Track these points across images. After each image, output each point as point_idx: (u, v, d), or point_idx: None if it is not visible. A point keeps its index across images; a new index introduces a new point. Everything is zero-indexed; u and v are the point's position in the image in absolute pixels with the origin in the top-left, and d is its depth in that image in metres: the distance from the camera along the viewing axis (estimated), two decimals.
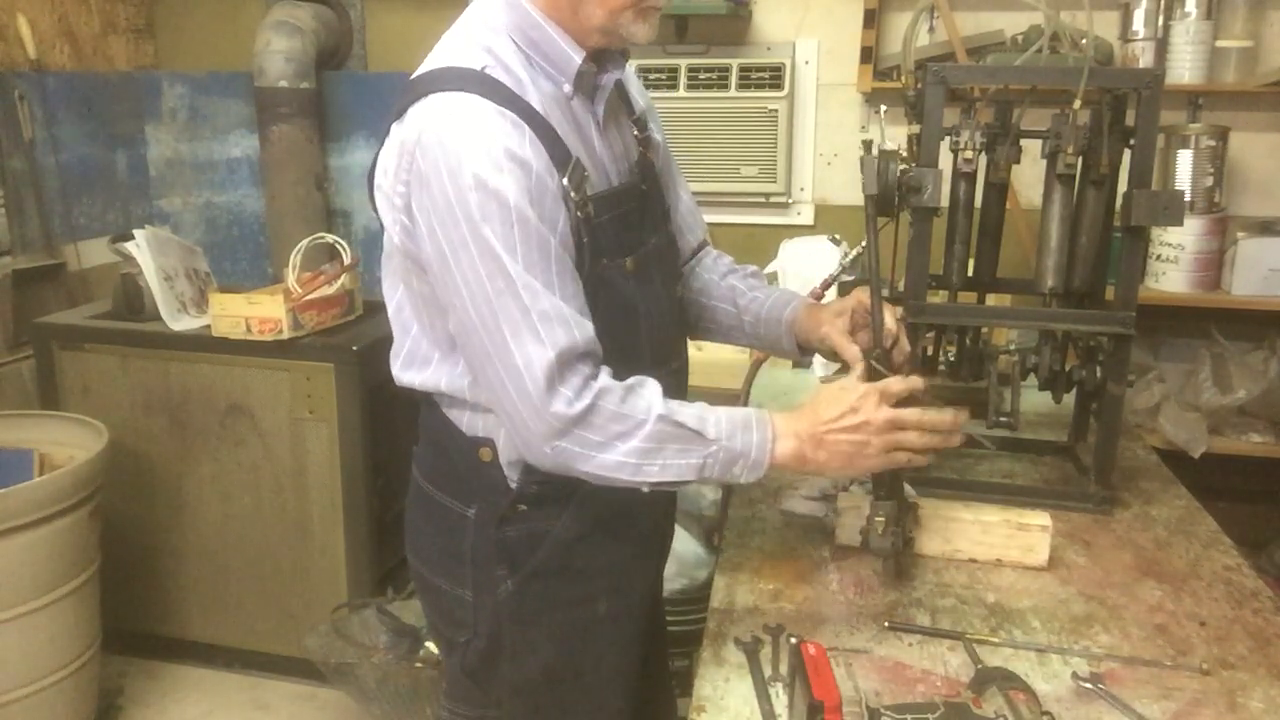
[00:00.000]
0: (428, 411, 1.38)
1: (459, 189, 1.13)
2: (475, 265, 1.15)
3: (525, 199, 1.15)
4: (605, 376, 1.19)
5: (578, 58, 1.25)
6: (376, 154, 1.26)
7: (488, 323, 1.16)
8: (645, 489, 1.21)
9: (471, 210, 1.13)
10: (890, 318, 1.38)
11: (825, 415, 1.22)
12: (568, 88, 1.26)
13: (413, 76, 1.24)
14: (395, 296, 1.32)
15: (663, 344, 1.39)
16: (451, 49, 1.24)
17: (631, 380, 1.20)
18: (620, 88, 1.38)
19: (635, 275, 1.32)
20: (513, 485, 1.31)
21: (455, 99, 1.17)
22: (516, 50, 1.24)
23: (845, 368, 1.42)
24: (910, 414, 1.23)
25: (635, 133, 1.41)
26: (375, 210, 1.28)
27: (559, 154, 1.20)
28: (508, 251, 1.14)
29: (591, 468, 1.18)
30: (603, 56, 1.30)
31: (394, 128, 1.22)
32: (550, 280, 1.17)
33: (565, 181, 1.20)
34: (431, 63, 1.24)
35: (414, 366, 1.33)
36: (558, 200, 1.19)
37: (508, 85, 1.19)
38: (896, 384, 1.24)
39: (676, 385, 1.41)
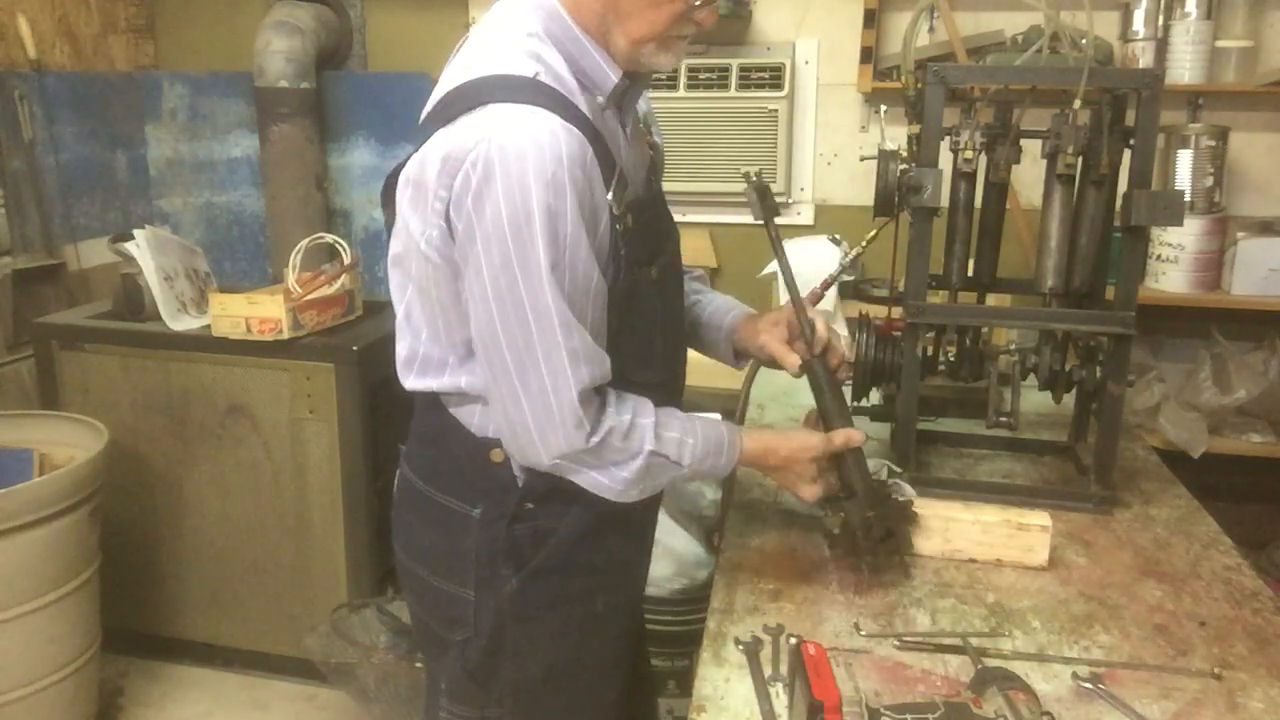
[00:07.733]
0: (429, 413, 1.37)
1: (513, 211, 1.12)
2: (517, 287, 1.15)
3: (581, 228, 1.15)
4: (612, 409, 1.24)
5: (614, 76, 1.25)
6: (409, 155, 1.22)
7: (516, 341, 1.18)
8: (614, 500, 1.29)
9: (534, 231, 1.12)
10: (821, 325, 1.42)
11: (786, 449, 1.37)
12: (601, 99, 1.26)
13: (462, 81, 1.20)
14: (404, 299, 1.31)
15: (674, 348, 1.41)
16: (496, 53, 1.21)
17: (631, 413, 1.25)
18: None
19: (658, 282, 1.34)
20: (521, 484, 1.31)
21: (517, 112, 1.14)
22: (560, 59, 1.22)
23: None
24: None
25: (647, 140, 1.41)
26: (393, 207, 1.25)
27: (608, 165, 1.20)
28: (555, 282, 1.15)
29: (581, 480, 1.27)
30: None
31: (440, 132, 1.17)
32: (585, 314, 1.19)
33: (610, 196, 1.20)
34: (475, 67, 1.20)
35: (428, 373, 1.31)
36: (607, 222, 1.21)
37: (561, 93, 1.18)
38: (839, 437, 1.36)
39: (675, 389, 1.46)
